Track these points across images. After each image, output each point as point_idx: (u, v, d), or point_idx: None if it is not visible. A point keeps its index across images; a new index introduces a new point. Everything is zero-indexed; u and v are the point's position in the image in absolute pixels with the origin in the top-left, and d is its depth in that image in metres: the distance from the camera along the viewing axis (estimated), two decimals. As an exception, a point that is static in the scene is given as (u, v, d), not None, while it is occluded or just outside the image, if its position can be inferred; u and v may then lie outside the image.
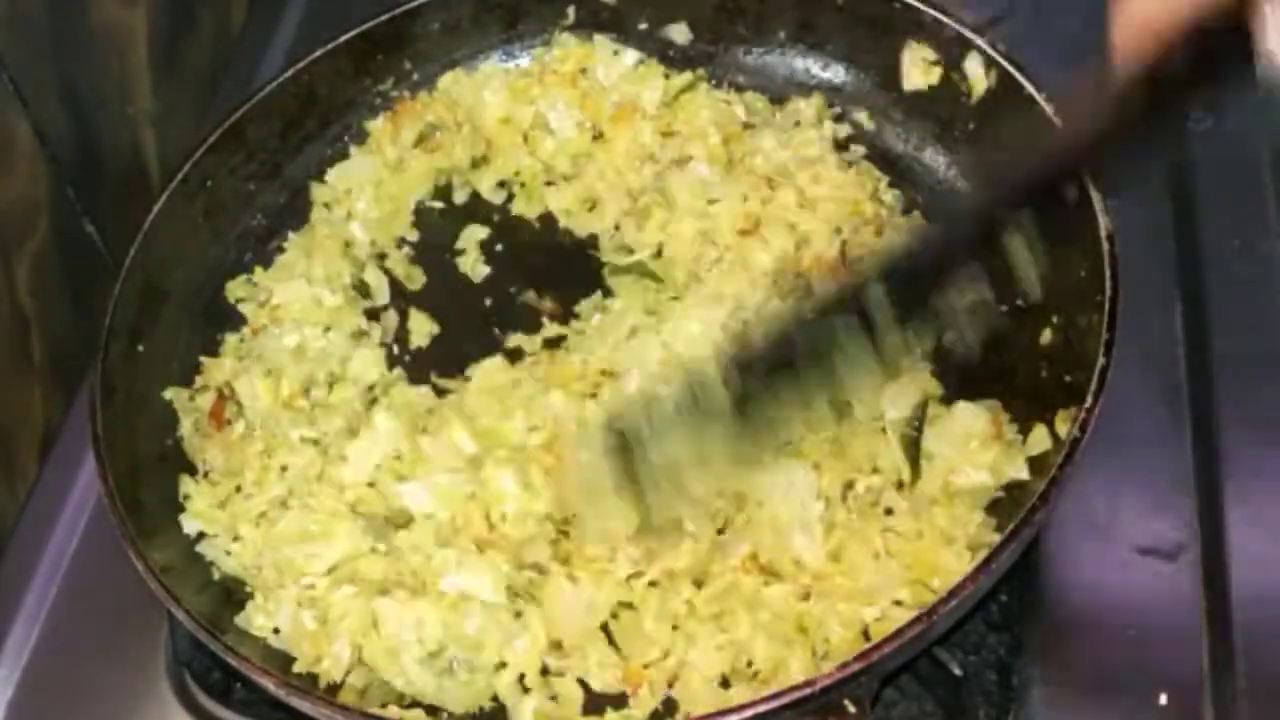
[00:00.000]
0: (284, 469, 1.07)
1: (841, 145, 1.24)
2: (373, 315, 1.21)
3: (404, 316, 1.21)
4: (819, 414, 0.95)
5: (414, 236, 1.27)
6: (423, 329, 1.20)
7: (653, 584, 0.99)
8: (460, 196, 1.29)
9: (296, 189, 1.28)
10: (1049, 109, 1.07)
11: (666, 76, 1.28)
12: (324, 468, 1.07)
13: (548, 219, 1.26)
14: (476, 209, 1.28)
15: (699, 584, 0.99)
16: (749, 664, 0.97)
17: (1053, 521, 1.02)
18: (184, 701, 1.05)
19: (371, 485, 1.06)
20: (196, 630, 0.93)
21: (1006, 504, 0.99)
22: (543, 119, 1.28)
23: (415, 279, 1.24)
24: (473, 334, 1.18)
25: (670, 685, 0.97)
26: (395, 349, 1.19)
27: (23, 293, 1.21)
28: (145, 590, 0.96)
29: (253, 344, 1.17)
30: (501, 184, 1.29)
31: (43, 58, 1.22)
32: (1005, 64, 1.12)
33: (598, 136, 1.28)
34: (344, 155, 1.29)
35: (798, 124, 1.24)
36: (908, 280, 0.86)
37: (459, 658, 0.98)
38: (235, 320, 1.20)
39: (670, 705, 0.97)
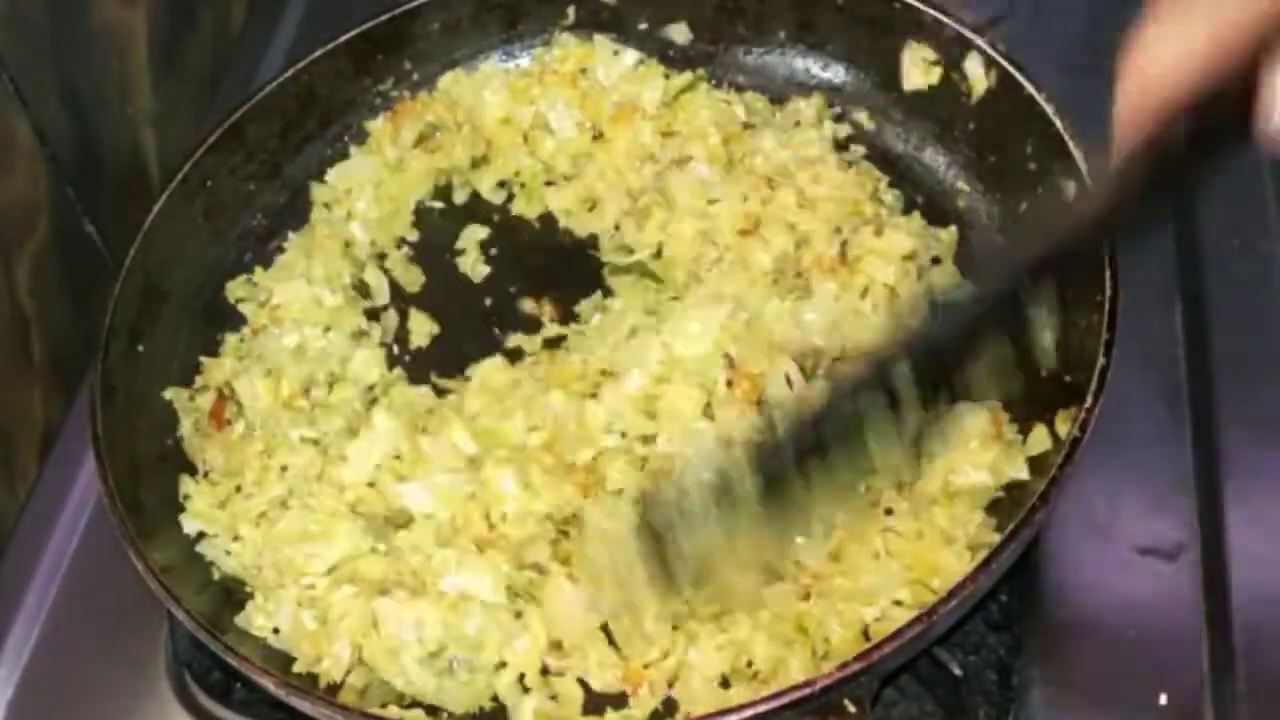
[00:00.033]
0: (284, 469, 1.07)
1: (841, 145, 1.24)
2: (373, 315, 1.21)
3: (404, 316, 1.21)
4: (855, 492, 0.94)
5: (414, 236, 1.27)
6: (423, 329, 1.20)
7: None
8: (460, 196, 1.29)
9: (296, 189, 1.28)
10: (1049, 109, 1.07)
11: (666, 76, 1.28)
12: (324, 468, 1.07)
13: (548, 219, 1.26)
14: (476, 209, 1.28)
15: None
16: (749, 664, 0.97)
17: (1053, 521, 1.02)
18: (184, 701, 1.05)
19: (371, 485, 1.06)
20: (196, 630, 0.93)
21: (1006, 504, 0.99)
22: (543, 119, 1.28)
23: (415, 279, 1.24)
24: (473, 334, 1.18)
25: (670, 685, 0.97)
26: (395, 349, 1.19)
27: (23, 293, 1.21)
28: (145, 590, 0.96)
29: (253, 344, 1.17)
30: (501, 184, 1.29)
31: (43, 58, 1.22)
32: (1005, 64, 1.12)
33: (598, 136, 1.28)
34: (344, 155, 1.29)
35: (798, 124, 1.24)
36: (933, 359, 0.85)
37: (459, 658, 0.98)
38: (235, 320, 1.20)
39: (670, 705, 0.97)
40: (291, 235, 1.25)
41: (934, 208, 1.19)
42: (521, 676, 0.98)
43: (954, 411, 1.03)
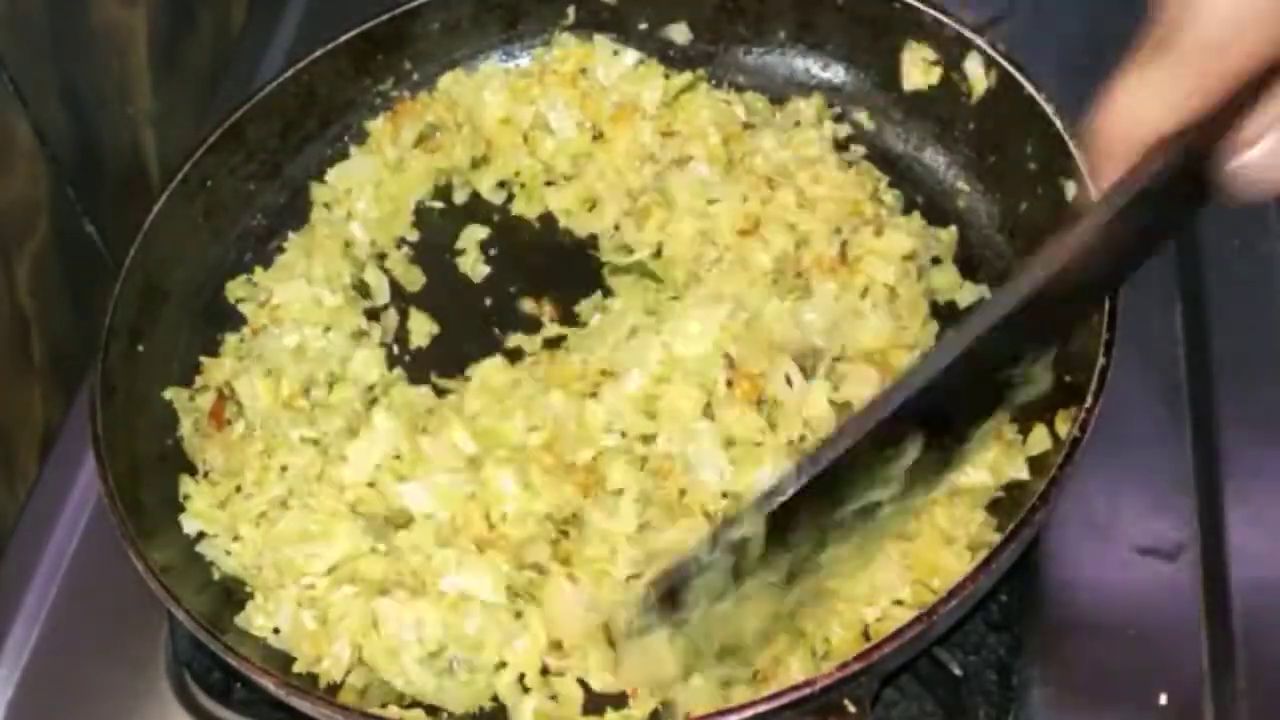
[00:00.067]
0: (284, 469, 1.07)
1: (841, 145, 1.24)
2: (373, 315, 1.21)
3: (404, 316, 1.21)
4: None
5: (414, 236, 1.27)
6: (423, 329, 1.20)
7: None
8: (460, 196, 1.29)
9: (296, 189, 1.28)
10: (1049, 109, 1.07)
11: (666, 76, 1.28)
12: (324, 468, 1.07)
13: (548, 219, 1.26)
14: (476, 209, 1.28)
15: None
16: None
17: (1053, 521, 1.02)
18: (184, 701, 1.05)
19: (371, 485, 1.06)
20: (196, 630, 0.93)
21: (1006, 504, 0.99)
22: (543, 119, 1.28)
23: (415, 279, 1.24)
24: (473, 334, 1.18)
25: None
26: (395, 349, 1.19)
27: (23, 293, 1.21)
28: (145, 590, 0.96)
29: (253, 344, 1.17)
30: (501, 184, 1.29)
31: (43, 58, 1.22)
32: (1005, 64, 1.12)
33: (598, 136, 1.28)
34: (344, 155, 1.29)
35: (798, 124, 1.24)
36: (937, 413, 0.84)
37: (459, 658, 0.98)
38: (235, 320, 1.20)
39: (670, 705, 0.97)
40: (291, 235, 1.25)
41: (934, 208, 1.19)
42: (521, 676, 0.98)
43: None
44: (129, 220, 1.16)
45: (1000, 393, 0.83)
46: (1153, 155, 0.68)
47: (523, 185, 1.28)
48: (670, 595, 0.84)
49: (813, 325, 1.09)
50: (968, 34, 1.15)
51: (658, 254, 1.19)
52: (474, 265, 1.23)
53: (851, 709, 0.85)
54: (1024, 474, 0.99)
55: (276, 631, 1.01)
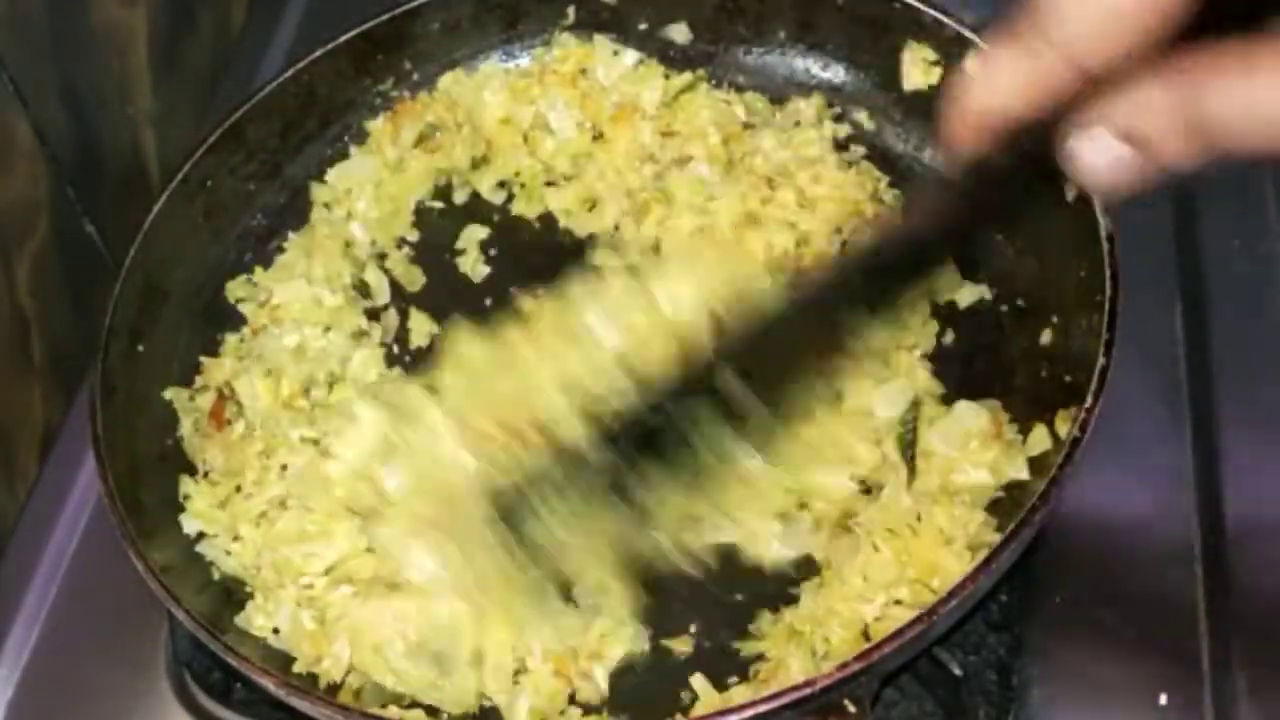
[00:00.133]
0: (283, 468, 1.07)
1: (841, 145, 1.23)
2: (373, 315, 1.21)
3: (404, 316, 1.21)
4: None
5: (414, 236, 1.27)
6: (423, 329, 1.20)
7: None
8: (460, 196, 1.29)
9: (296, 189, 1.28)
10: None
11: (666, 76, 1.28)
12: (319, 467, 1.06)
13: (548, 219, 1.26)
14: (476, 209, 1.28)
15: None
16: (749, 663, 0.97)
17: (1053, 521, 1.02)
18: (184, 701, 1.05)
19: (361, 480, 1.05)
20: (196, 630, 0.93)
21: (1006, 504, 0.99)
22: (543, 119, 1.28)
23: (415, 279, 1.24)
24: (473, 334, 1.18)
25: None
26: (395, 349, 1.19)
27: (23, 293, 1.21)
28: (145, 590, 0.96)
29: (253, 344, 1.17)
30: (501, 184, 1.29)
31: (43, 58, 1.22)
32: (1005, 64, 1.12)
33: (598, 136, 1.28)
34: (344, 155, 1.29)
35: (798, 124, 1.24)
36: (757, 363, 0.86)
37: (441, 649, 0.98)
38: (235, 320, 1.20)
39: (670, 705, 0.97)
40: (291, 235, 1.25)
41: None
42: (516, 673, 0.98)
43: (954, 410, 1.03)
44: (129, 220, 1.16)
45: (830, 347, 0.86)
46: (1002, 136, 0.69)
47: (523, 185, 1.28)
48: (507, 513, 0.88)
49: None
50: (968, 34, 1.15)
51: (656, 249, 1.18)
52: (474, 265, 1.23)
53: (851, 709, 0.85)
54: (1024, 474, 0.99)
55: (276, 631, 1.01)
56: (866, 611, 0.95)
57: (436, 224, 1.27)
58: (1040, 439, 1.00)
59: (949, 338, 1.12)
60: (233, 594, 1.04)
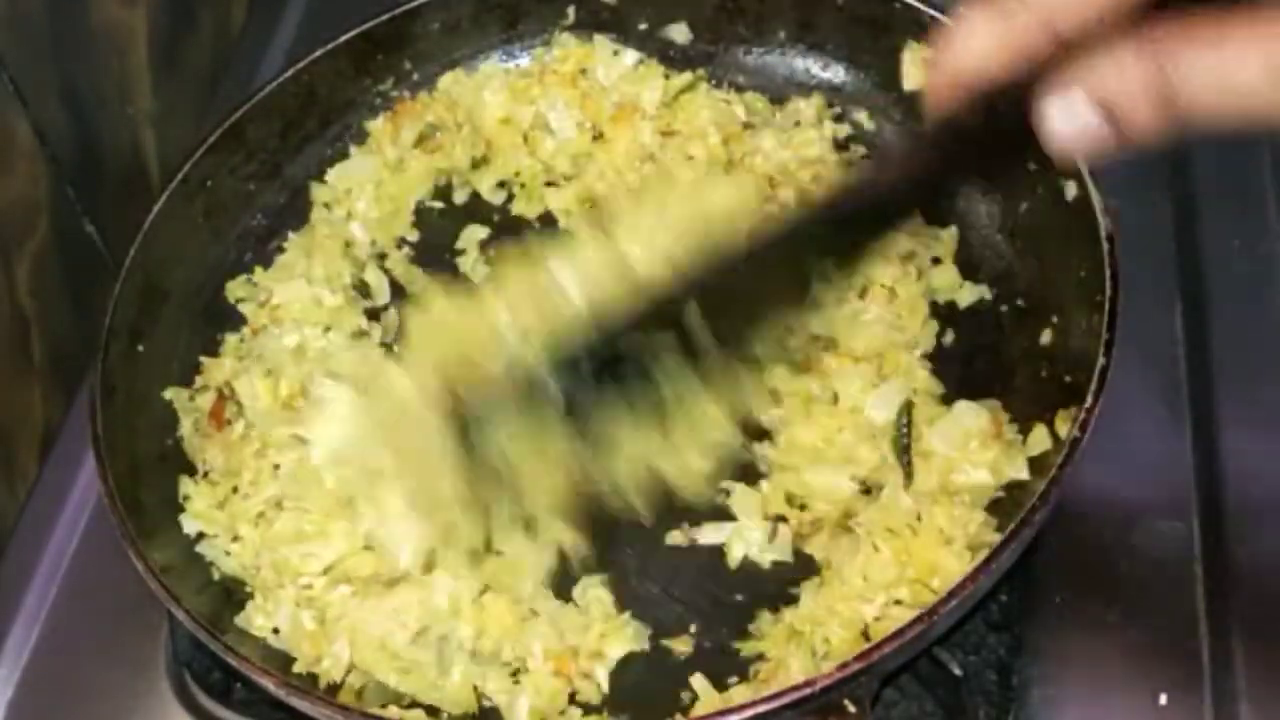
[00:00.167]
0: (276, 468, 1.07)
1: (841, 145, 1.24)
2: (373, 315, 1.21)
3: (404, 317, 1.21)
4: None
5: (414, 236, 1.27)
6: (423, 329, 1.20)
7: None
8: (460, 196, 1.29)
9: (296, 189, 1.28)
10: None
11: (666, 76, 1.28)
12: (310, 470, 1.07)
13: (548, 219, 1.26)
14: (476, 209, 1.28)
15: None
16: (749, 663, 0.97)
17: (1053, 521, 1.02)
18: (184, 701, 1.05)
19: (343, 462, 1.05)
20: (196, 630, 0.93)
21: (1006, 504, 0.99)
22: (543, 119, 1.28)
23: (415, 279, 1.24)
24: (473, 334, 1.18)
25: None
26: (395, 349, 1.19)
27: (23, 293, 1.21)
28: (145, 590, 0.96)
29: (253, 344, 1.17)
30: (501, 184, 1.29)
31: (43, 58, 1.22)
32: (1005, 64, 1.12)
33: (598, 136, 1.28)
34: (344, 155, 1.29)
35: (798, 124, 1.24)
36: (722, 304, 0.86)
37: (444, 635, 0.98)
38: (235, 320, 1.20)
39: (670, 705, 0.97)
40: (291, 235, 1.25)
41: (934, 208, 1.19)
42: (516, 673, 0.98)
43: (954, 410, 1.03)
44: (129, 220, 1.16)
45: (794, 294, 0.86)
46: (977, 96, 0.70)
47: (523, 185, 1.28)
48: (461, 431, 0.88)
49: None
50: (968, 34, 1.15)
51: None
52: (474, 265, 1.23)
53: (851, 709, 0.85)
54: (1024, 474, 0.99)
55: (276, 631, 1.01)
56: (866, 611, 0.96)
57: (436, 224, 1.27)
58: (1040, 439, 1.00)
59: (949, 338, 1.12)
60: (233, 594, 1.04)
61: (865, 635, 0.95)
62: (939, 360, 1.10)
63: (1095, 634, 0.99)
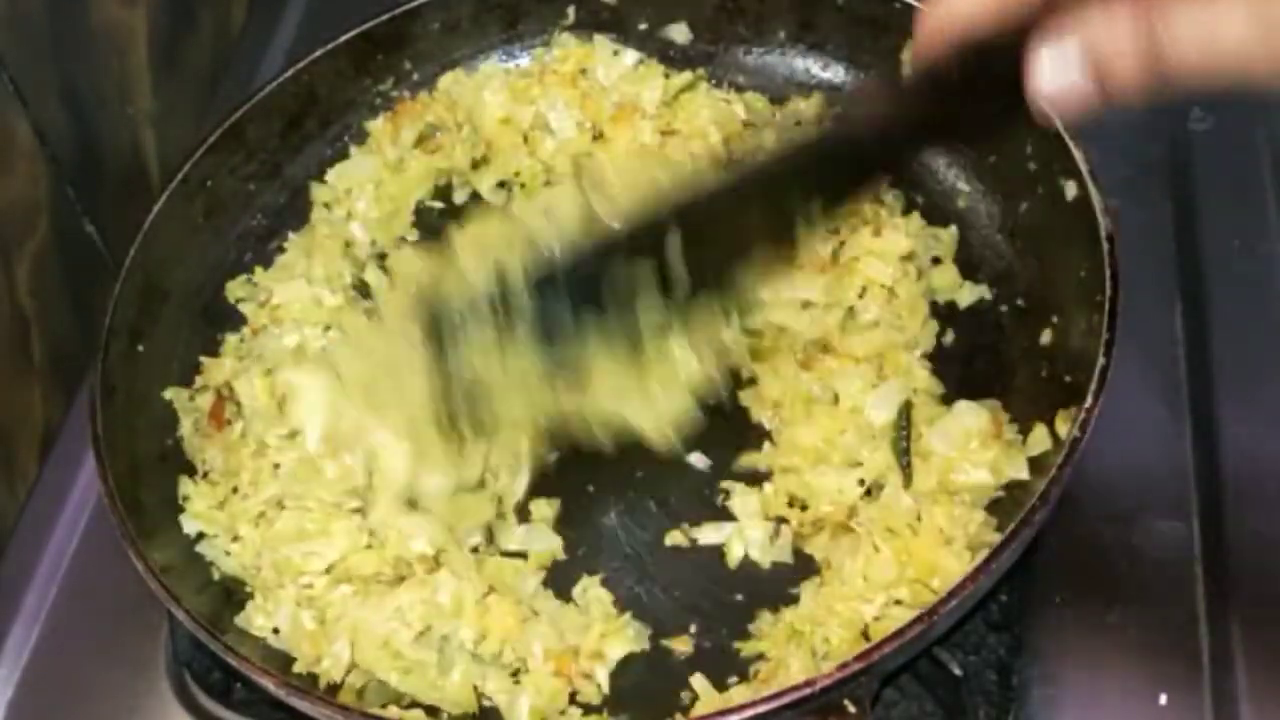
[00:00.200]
0: (276, 467, 1.07)
1: (841, 145, 1.24)
2: (373, 315, 1.20)
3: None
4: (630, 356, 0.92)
5: (414, 236, 1.27)
6: (423, 329, 1.20)
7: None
8: (460, 196, 1.29)
9: (296, 189, 1.28)
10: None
11: (666, 76, 1.28)
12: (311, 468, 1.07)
13: (548, 219, 1.26)
14: (476, 209, 1.28)
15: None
16: (749, 663, 0.97)
17: (1053, 521, 1.02)
18: (184, 701, 1.05)
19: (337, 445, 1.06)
20: (196, 630, 0.93)
21: (1006, 504, 0.99)
22: (543, 119, 1.28)
23: (415, 279, 1.24)
24: (472, 334, 1.18)
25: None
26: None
27: (23, 293, 1.21)
28: (145, 590, 0.96)
29: (253, 344, 1.17)
30: (501, 184, 1.29)
31: (43, 58, 1.22)
32: (1005, 64, 1.12)
33: (598, 136, 1.28)
34: (344, 155, 1.29)
35: (798, 124, 1.24)
36: (705, 237, 0.86)
37: (446, 634, 0.98)
38: (235, 320, 1.20)
39: (670, 705, 0.97)
40: (291, 235, 1.25)
41: (934, 208, 1.19)
42: (516, 673, 0.99)
43: (954, 410, 1.03)
44: (129, 220, 1.16)
45: (772, 234, 0.86)
46: (966, 49, 0.70)
47: (523, 185, 1.28)
48: (435, 331, 0.89)
49: None
50: (968, 34, 1.15)
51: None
52: (474, 265, 1.23)
53: (851, 709, 0.85)
54: (1024, 474, 0.99)
55: (276, 631, 1.01)
56: (866, 611, 0.96)
57: (436, 224, 1.27)
58: (1040, 439, 1.00)
59: (949, 338, 1.12)
60: (233, 594, 1.04)
61: (865, 635, 0.95)
62: (939, 360, 1.10)
63: (1095, 634, 0.99)
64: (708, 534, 1.05)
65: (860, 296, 1.11)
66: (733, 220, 0.85)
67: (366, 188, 1.26)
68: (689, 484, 1.08)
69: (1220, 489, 1.05)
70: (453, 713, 0.98)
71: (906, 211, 1.19)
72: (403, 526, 1.01)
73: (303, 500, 1.04)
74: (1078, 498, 1.03)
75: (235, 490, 1.07)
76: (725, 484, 1.07)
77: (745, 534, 1.04)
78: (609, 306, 0.87)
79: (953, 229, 1.17)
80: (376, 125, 1.29)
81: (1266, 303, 1.16)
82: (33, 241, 1.22)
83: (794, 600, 1.00)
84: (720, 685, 0.97)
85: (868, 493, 1.02)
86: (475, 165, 1.29)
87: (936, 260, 1.16)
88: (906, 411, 1.04)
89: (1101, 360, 0.93)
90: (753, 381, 1.11)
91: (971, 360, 1.11)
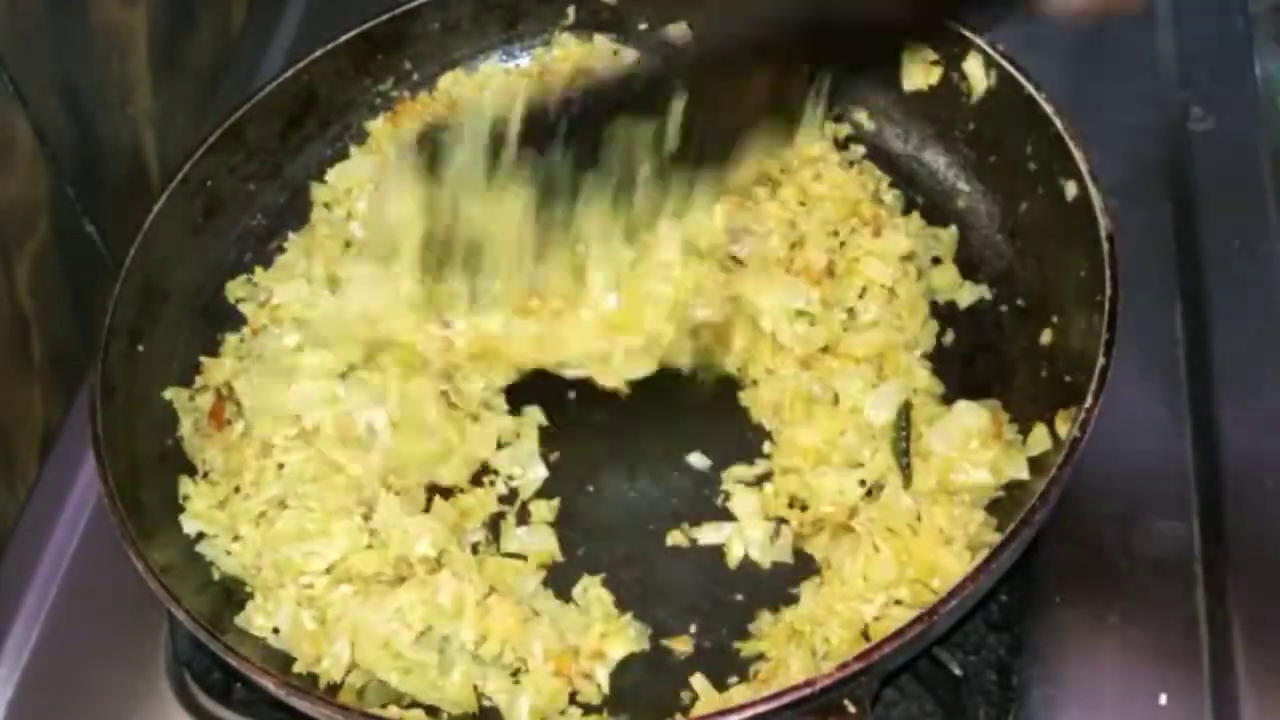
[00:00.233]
0: (280, 468, 1.07)
1: (841, 145, 1.23)
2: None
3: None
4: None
5: (414, 236, 1.26)
6: (423, 328, 1.20)
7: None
8: (460, 196, 1.29)
9: (296, 189, 1.28)
10: (1049, 109, 1.07)
11: (666, 76, 1.28)
12: (320, 467, 1.07)
13: (548, 219, 1.26)
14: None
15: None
16: (749, 663, 0.97)
17: (1053, 521, 1.02)
18: (184, 701, 1.05)
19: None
20: (196, 630, 0.93)
21: (1006, 504, 0.99)
22: (543, 119, 1.28)
23: (415, 279, 1.23)
24: (473, 334, 1.18)
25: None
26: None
27: (23, 293, 1.21)
28: (145, 590, 0.96)
29: (253, 344, 1.17)
30: (501, 184, 1.29)
31: (43, 58, 1.22)
32: (1005, 64, 1.12)
33: (598, 136, 1.28)
34: (344, 155, 1.29)
35: (798, 124, 1.24)
36: (709, 102, 0.85)
37: (447, 635, 0.98)
38: (235, 320, 1.20)
39: (671, 705, 0.97)
40: (291, 235, 1.25)
41: (934, 208, 1.19)
42: (516, 673, 0.99)
43: (954, 410, 1.03)
44: (129, 220, 1.16)
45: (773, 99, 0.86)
46: None
47: (523, 185, 1.28)
48: (431, 155, 0.88)
49: None
50: (968, 34, 1.15)
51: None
52: (474, 265, 1.23)
53: (851, 709, 0.85)
54: (1024, 474, 0.99)
55: (276, 631, 1.01)
56: (866, 611, 0.96)
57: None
58: (1040, 439, 1.00)
59: (949, 338, 1.12)
60: (233, 594, 1.04)
61: (865, 635, 0.95)
62: (939, 360, 1.10)
63: (1095, 634, 0.99)
64: (708, 534, 1.05)
65: (860, 297, 1.11)
66: (740, 85, 0.84)
67: (366, 188, 1.26)
68: (689, 484, 1.08)
69: (1220, 489, 1.05)
70: (453, 713, 0.98)
71: (906, 211, 1.19)
72: (407, 527, 1.01)
73: (305, 500, 1.04)
74: (1078, 498, 1.03)
75: (236, 490, 1.07)
76: (725, 484, 1.07)
77: (745, 534, 1.04)
78: (606, 165, 0.86)
79: (953, 229, 1.17)
80: (376, 125, 1.29)
81: (1266, 303, 1.16)
82: (33, 241, 1.22)
83: (794, 600, 1.00)
84: (720, 685, 0.97)
85: (868, 493, 1.02)
86: (475, 165, 1.29)
87: (936, 260, 1.16)
88: (906, 411, 1.04)
89: (1101, 360, 0.93)
90: (753, 382, 1.11)
91: (971, 360, 1.11)
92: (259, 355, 1.15)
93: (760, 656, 0.98)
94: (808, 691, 0.83)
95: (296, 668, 0.98)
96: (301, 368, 1.09)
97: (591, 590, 1.03)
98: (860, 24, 0.80)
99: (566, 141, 0.86)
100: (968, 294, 1.14)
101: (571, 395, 1.11)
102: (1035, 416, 1.01)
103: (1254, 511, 1.04)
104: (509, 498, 1.10)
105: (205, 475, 1.10)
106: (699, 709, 0.95)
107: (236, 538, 1.05)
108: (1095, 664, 0.98)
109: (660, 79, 0.84)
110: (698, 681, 0.97)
